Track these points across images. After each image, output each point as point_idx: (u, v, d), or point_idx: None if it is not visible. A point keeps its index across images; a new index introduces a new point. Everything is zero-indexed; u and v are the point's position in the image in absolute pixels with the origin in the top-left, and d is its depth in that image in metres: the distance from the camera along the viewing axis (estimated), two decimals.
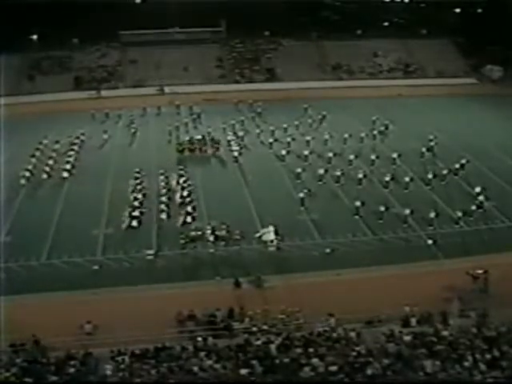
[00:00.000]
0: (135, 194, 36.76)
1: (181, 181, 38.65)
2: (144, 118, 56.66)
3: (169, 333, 23.00)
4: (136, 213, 34.34)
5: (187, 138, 47.77)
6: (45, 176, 41.41)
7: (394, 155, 43.60)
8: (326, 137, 48.11)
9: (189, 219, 33.57)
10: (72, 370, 19.85)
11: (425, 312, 23.92)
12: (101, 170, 43.02)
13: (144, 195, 37.13)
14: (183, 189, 37.39)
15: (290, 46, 77.06)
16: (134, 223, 33.75)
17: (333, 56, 75.68)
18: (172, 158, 45.11)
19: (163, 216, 34.35)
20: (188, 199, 35.82)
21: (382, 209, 34.49)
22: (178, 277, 28.73)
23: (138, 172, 40.27)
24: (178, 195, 36.75)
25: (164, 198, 36.20)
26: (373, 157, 43.40)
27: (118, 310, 25.10)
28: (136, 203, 35.41)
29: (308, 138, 47.67)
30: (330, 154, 43.77)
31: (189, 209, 34.17)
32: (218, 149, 46.55)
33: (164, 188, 37.92)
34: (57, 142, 46.95)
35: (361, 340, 21.62)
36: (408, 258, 29.84)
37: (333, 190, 39.04)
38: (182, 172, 40.15)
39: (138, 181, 39.02)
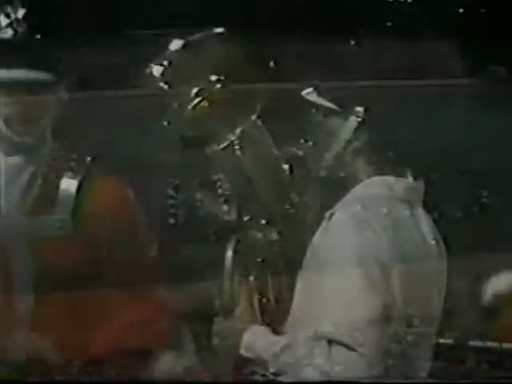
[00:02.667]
0: (169, 191, 37.35)
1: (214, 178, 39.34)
2: None
3: None
4: (172, 210, 34.78)
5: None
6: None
7: None
8: None
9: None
10: (75, 369, 20.02)
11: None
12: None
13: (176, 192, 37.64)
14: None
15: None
16: (172, 220, 34.15)
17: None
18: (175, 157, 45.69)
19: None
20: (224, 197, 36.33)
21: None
22: (180, 277, 28.91)
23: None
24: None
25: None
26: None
27: None
28: (171, 200, 35.90)
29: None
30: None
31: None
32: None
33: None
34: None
35: None
36: None
37: None
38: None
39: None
